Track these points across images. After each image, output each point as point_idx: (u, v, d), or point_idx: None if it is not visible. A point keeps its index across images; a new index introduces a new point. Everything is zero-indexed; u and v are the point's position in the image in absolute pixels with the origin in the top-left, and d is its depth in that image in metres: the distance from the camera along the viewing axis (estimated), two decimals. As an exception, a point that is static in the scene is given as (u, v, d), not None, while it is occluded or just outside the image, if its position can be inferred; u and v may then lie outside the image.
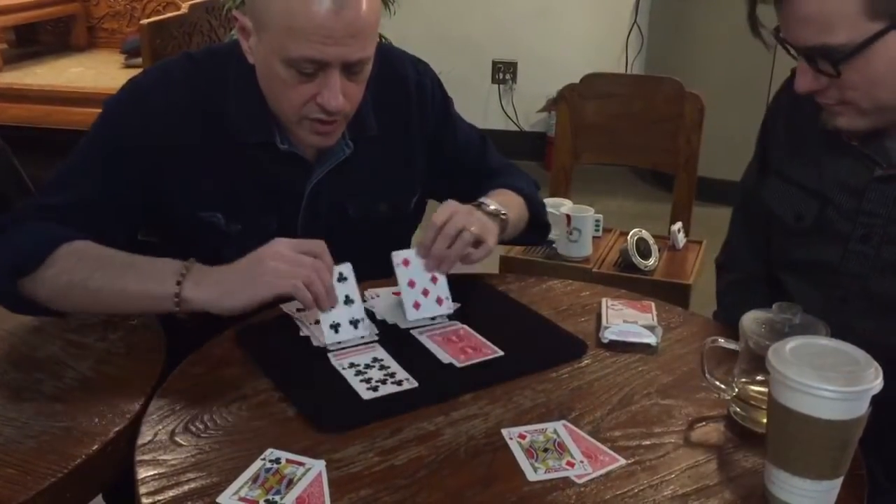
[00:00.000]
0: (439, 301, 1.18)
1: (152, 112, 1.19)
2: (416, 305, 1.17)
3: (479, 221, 1.19)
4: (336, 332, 1.10)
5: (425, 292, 1.17)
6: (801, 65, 1.07)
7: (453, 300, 1.22)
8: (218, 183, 1.22)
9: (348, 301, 1.11)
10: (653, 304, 1.24)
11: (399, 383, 1.02)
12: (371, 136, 1.27)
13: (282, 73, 1.12)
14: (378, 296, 1.23)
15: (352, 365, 1.06)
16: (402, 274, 1.17)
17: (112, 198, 1.19)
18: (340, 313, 1.11)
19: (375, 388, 1.01)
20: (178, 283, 1.05)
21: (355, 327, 1.11)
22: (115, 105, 1.22)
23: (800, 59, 1.07)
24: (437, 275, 1.18)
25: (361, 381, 1.02)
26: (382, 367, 1.05)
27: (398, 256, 1.18)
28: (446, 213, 1.17)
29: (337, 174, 1.26)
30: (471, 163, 1.43)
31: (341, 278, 1.12)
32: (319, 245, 1.09)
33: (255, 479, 0.85)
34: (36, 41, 3.54)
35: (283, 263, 1.05)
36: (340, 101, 1.12)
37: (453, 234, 1.16)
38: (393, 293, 1.23)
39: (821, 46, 1.02)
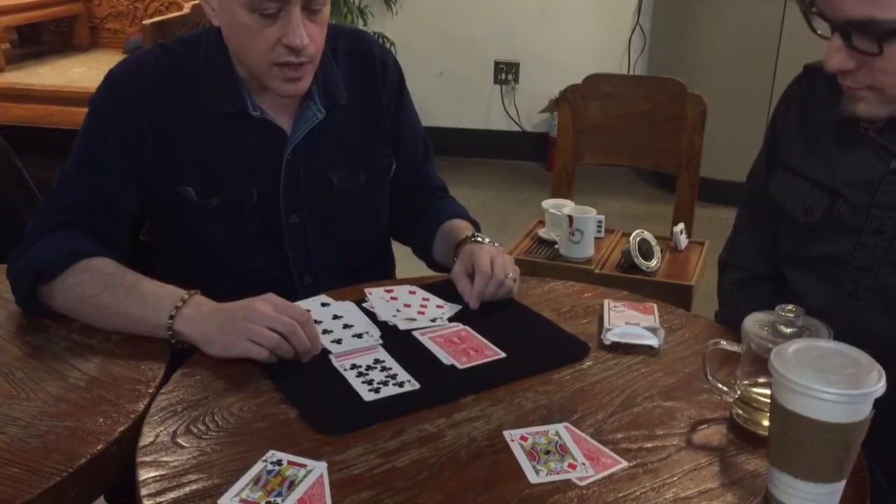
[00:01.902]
0: (439, 306, 1.22)
1: (128, 99, 1.24)
2: (420, 313, 1.20)
3: (512, 264, 1.26)
4: (339, 344, 1.11)
5: (422, 305, 1.22)
6: (833, 42, 1.02)
7: (456, 301, 1.22)
8: (195, 158, 1.26)
9: (347, 327, 1.14)
10: (655, 306, 1.24)
11: (401, 385, 1.02)
12: (343, 106, 1.32)
13: (246, 19, 1.16)
14: (371, 293, 1.24)
15: (353, 366, 1.06)
16: (389, 306, 1.21)
17: (109, 190, 1.23)
18: (343, 333, 1.13)
19: (377, 390, 1.01)
20: (171, 317, 1.08)
21: (359, 337, 1.12)
22: (95, 101, 1.27)
23: (832, 37, 1.03)
24: (414, 288, 1.26)
25: (363, 382, 1.02)
26: (384, 369, 1.05)
27: (374, 295, 1.24)
28: (487, 261, 1.22)
29: (312, 142, 1.30)
30: (411, 164, 1.46)
31: (324, 304, 1.19)
32: (304, 314, 1.08)
33: (256, 480, 0.85)
34: (38, 41, 3.54)
35: (256, 325, 1.04)
36: (305, 38, 1.17)
37: (503, 278, 1.21)
38: (391, 297, 1.23)
39: (867, 20, 0.97)
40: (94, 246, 1.18)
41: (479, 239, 1.30)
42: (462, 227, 1.38)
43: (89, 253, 1.16)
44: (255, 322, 1.05)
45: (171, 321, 1.08)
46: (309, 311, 1.13)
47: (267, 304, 1.07)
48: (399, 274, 1.50)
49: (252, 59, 1.21)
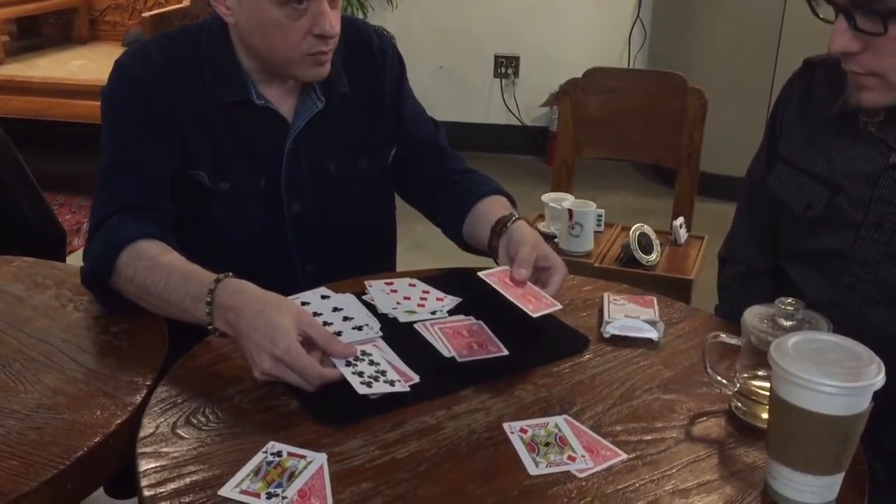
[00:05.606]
0: (439, 299, 1.22)
1: (142, 82, 1.26)
2: (420, 306, 1.20)
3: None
4: (339, 336, 1.10)
5: (422, 298, 1.22)
6: (838, 24, 1.03)
7: (456, 294, 1.23)
8: (205, 144, 1.27)
9: (347, 319, 1.13)
10: (654, 299, 1.24)
11: (391, 384, 0.99)
12: (343, 94, 1.33)
13: (277, 15, 1.18)
14: (371, 286, 1.24)
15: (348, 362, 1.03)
16: (389, 298, 1.21)
17: (145, 162, 1.24)
18: (343, 326, 1.12)
19: (369, 384, 0.98)
20: (209, 314, 1.05)
21: (359, 330, 1.12)
22: (109, 92, 1.29)
23: (837, 19, 1.03)
24: (414, 281, 1.26)
25: (353, 373, 0.99)
26: (372, 363, 1.02)
27: (374, 287, 1.24)
28: (564, 270, 1.17)
29: (313, 131, 1.31)
30: (422, 136, 1.45)
31: (324, 297, 1.17)
32: (314, 376, 0.98)
33: (256, 471, 0.85)
34: (38, 33, 3.54)
35: (265, 373, 0.99)
36: (336, 26, 1.21)
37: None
38: (391, 290, 1.23)
39: None
40: (137, 227, 1.17)
41: (517, 216, 1.24)
42: (500, 206, 1.31)
43: (130, 238, 1.15)
44: (276, 372, 0.98)
45: (209, 318, 1.05)
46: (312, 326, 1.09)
47: (268, 355, 0.98)
48: (399, 267, 1.50)
49: (281, 53, 1.22)
